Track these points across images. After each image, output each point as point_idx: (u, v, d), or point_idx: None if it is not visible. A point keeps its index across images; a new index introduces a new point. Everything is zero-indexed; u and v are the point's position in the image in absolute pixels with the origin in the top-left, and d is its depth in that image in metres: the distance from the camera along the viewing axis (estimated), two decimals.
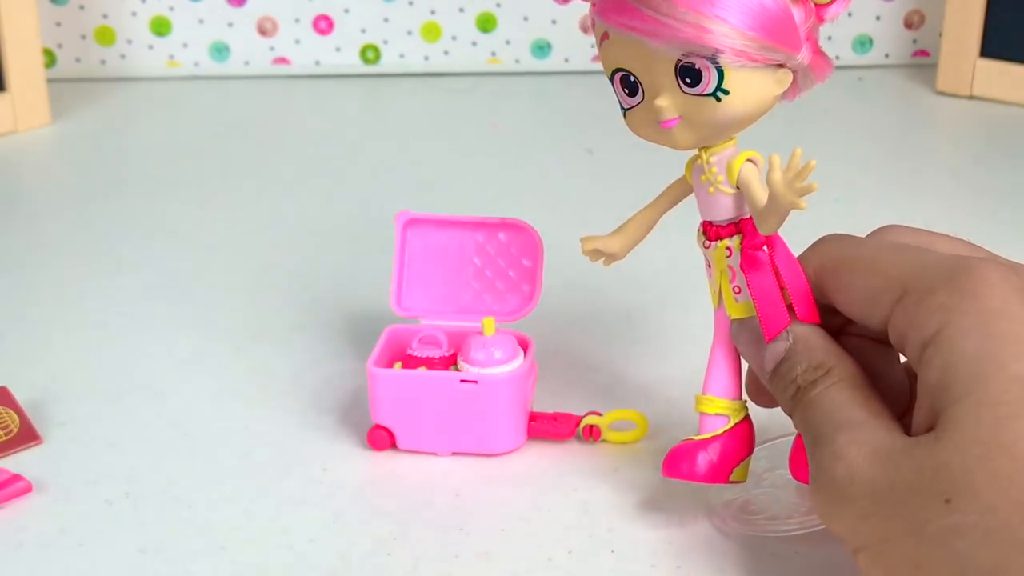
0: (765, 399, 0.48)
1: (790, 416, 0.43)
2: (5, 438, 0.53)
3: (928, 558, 0.37)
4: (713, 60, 0.41)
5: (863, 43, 0.95)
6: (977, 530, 0.36)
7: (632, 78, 0.43)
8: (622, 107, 0.45)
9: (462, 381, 0.51)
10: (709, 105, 0.42)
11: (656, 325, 0.61)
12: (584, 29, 0.44)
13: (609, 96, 0.47)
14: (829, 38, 0.95)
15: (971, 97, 0.89)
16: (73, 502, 0.50)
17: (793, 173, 0.40)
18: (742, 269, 0.44)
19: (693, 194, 0.46)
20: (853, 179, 0.79)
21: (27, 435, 0.53)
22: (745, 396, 0.48)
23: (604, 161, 0.81)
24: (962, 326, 0.38)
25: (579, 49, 0.94)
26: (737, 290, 0.45)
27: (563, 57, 0.94)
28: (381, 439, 0.52)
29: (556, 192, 0.77)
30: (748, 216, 0.44)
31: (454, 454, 0.52)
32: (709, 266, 0.46)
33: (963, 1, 0.88)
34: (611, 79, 0.45)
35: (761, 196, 0.43)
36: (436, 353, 0.52)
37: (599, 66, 0.46)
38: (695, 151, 0.45)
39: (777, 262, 0.44)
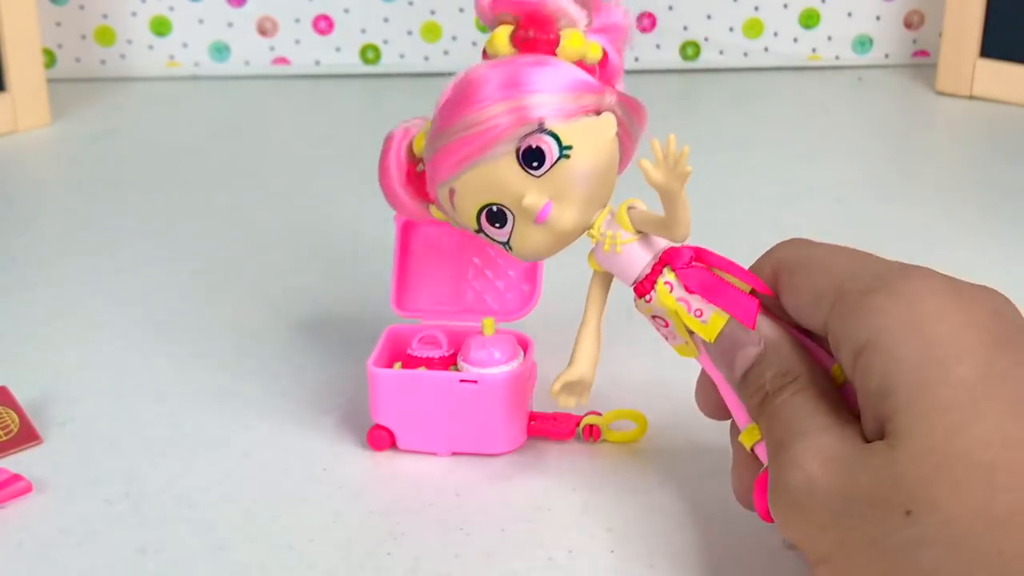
0: (711, 408, 0.48)
1: (756, 423, 0.43)
2: (5, 438, 0.53)
3: (893, 571, 0.37)
4: (542, 129, 0.44)
5: (863, 43, 0.95)
6: (940, 542, 0.36)
7: (495, 208, 0.45)
8: (504, 244, 0.46)
9: (462, 381, 0.51)
10: (564, 169, 0.44)
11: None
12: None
13: None
14: (829, 38, 0.95)
15: (971, 97, 0.89)
16: (73, 502, 0.50)
17: (673, 160, 0.42)
18: (688, 290, 0.44)
19: (615, 280, 0.47)
20: (853, 179, 0.79)
21: (27, 435, 0.53)
22: None
23: None
24: (898, 331, 0.38)
25: None
26: (699, 313, 0.44)
27: None
28: (381, 439, 0.52)
29: None
30: (664, 249, 0.45)
31: (454, 454, 0.52)
32: (666, 324, 0.45)
33: (963, 1, 0.88)
34: (479, 231, 0.46)
35: (659, 215, 0.44)
36: (436, 353, 0.53)
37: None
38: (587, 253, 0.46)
39: (712, 264, 0.44)
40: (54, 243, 0.73)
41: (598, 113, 0.45)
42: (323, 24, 0.96)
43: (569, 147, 0.44)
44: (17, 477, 0.49)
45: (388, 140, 0.49)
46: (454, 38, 0.95)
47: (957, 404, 0.36)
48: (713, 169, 0.79)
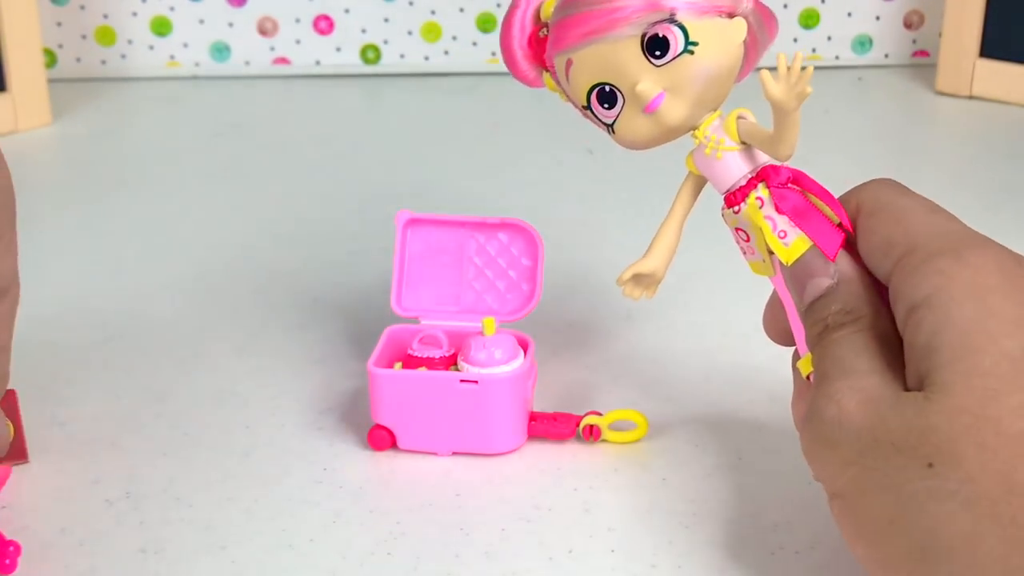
0: (776, 332, 0.48)
1: (812, 352, 0.43)
2: None
3: (902, 517, 0.38)
4: (672, 20, 0.43)
5: (863, 43, 0.95)
6: (956, 497, 0.37)
7: (607, 88, 0.45)
8: (607, 125, 0.46)
9: (462, 381, 0.51)
10: (685, 64, 0.44)
11: (656, 325, 0.61)
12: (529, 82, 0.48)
13: None
14: (829, 38, 0.95)
15: (971, 97, 0.89)
16: (73, 502, 0.50)
17: (795, 78, 0.41)
18: (777, 209, 0.44)
19: (701, 194, 0.47)
20: (853, 179, 0.79)
21: (17, 451, 0.52)
22: None
23: (604, 161, 0.81)
24: (957, 294, 0.39)
25: None
26: (783, 234, 0.44)
27: None
28: (382, 439, 0.52)
29: (556, 192, 0.77)
30: (763, 165, 0.45)
31: (454, 454, 0.52)
32: (747, 239, 0.45)
33: (963, 1, 0.88)
34: (587, 106, 0.46)
35: (768, 129, 0.44)
36: (436, 353, 0.53)
37: None
38: (688, 153, 0.46)
39: (808, 189, 0.44)
40: (54, 243, 0.73)
41: (731, 16, 0.44)
42: (323, 24, 0.96)
43: (695, 43, 0.44)
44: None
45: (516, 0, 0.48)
46: (454, 38, 0.95)
47: (998, 373, 0.37)
48: None
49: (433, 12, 0.95)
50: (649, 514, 0.49)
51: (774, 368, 0.56)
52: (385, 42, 0.96)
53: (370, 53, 0.96)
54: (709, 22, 0.44)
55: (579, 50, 0.45)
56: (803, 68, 0.41)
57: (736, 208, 0.45)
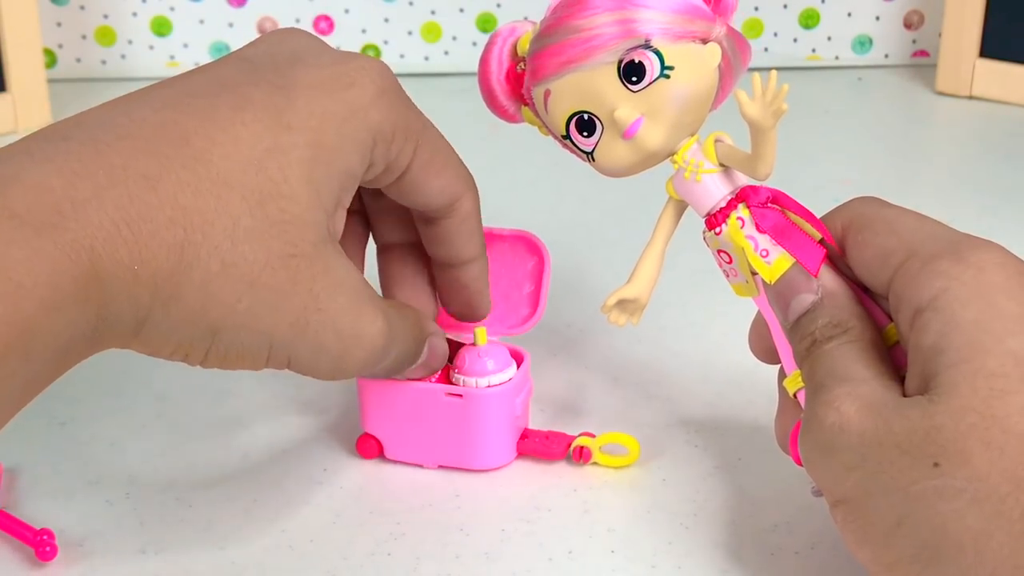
0: (761, 352, 0.48)
1: (800, 368, 0.44)
2: None
3: (910, 517, 0.38)
4: (647, 46, 0.44)
5: (863, 43, 0.95)
6: (964, 495, 0.37)
7: (586, 116, 0.45)
8: (587, 153, 0.46)
9: (447, 395, 0.50)
10: (661, 88, 0.44)
11: (655, 325, 0.61)
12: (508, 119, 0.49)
13: None
14: (829, 38, 0.95)
15: (971, 97, 0.89)
16: (73, 502, 0.50)
17: (770, 96, 0.42)
18: (758, 228, 0.44)
19: (688, 211, 0.47)
20: (853, 179, 0.79)
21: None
22: None
23: None
24: (962, 295, 0.39)
25: None
26: (764, 253, 0.44)
27: None
28: (370, 448, 0.51)
29: (556, 192, 0.77)
30: (742, 186, 0.45)
31: (440, 467, 0.51)
32: (729, 260, 0.46)
33: (963, 1, 0.88)
34: (566, 136, 0.46)
35: (745, 151, 0.44)
36: None
37: None
38: (669, 179, 0.46)
39: (788, 208, 0.45)
40: None
41: (705, 42, 0.45)
42: (323, 24, 0.96)
43: (671, 67, 0.44)
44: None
45: (494, 36, 0.49)
46: (454, 38, 0.95)
47: (1003, 373, 0.37)
48: None
49: (433, 12, 0.95)
50: (649, 514, 0.49)
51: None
52: (385, 42, 0.96)
53: (370, 53, 0.96)
54: (684, 47, 0.44)
55: (557, 79, 0.45)
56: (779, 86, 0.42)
57: (717, 230, 0.45)
